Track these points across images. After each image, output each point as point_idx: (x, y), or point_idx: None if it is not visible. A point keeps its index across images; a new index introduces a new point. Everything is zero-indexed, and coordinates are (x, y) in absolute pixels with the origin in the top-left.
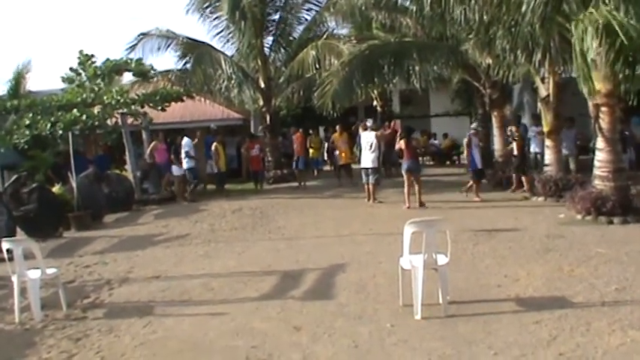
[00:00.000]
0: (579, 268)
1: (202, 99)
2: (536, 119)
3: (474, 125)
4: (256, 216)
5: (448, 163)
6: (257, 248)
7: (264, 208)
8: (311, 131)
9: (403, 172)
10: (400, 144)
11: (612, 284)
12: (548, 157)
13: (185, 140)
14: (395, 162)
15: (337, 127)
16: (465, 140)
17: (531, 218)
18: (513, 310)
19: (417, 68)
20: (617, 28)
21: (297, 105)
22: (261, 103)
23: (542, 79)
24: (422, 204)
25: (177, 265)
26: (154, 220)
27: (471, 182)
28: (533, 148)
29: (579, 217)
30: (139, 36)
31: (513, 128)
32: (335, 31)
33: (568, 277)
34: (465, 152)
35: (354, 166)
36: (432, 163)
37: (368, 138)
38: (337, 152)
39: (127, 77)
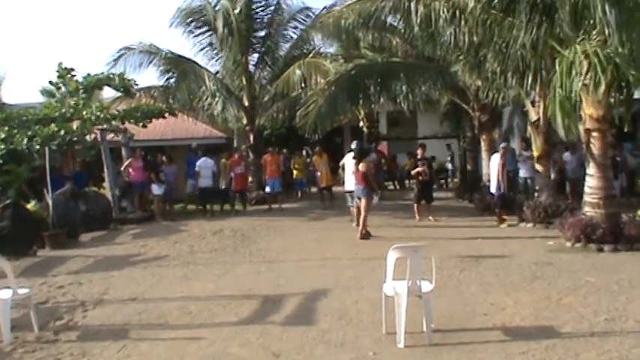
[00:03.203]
0: (568, 297)
1: (185, 116)
2: (526, 143)
3: (503, 144)
4: (237, 238)
5: (435, 186)
6: (237, 271)
7: (245, 230)
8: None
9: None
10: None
11: (602, 314)
12: (539, 182)
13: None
14: (380, 185)
15: (317, 149)
16: (501, 162)
17: (519, 245)
18: (499, 340)
19: (404, 89)
20: (598, 62)
21: (282, 124)
22: (244, 121)
23: (533, 103)
24: (363, 236)
25: (154, 287)
26: (131, 239)
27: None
28: (523, 173)
29: (569, 244)
30: (120, 50)
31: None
32: (322, 49)
33: (556, 306)
34: (500, 175)
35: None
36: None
37: (353, 160)
38: (318, 174)
39: (108, 92)
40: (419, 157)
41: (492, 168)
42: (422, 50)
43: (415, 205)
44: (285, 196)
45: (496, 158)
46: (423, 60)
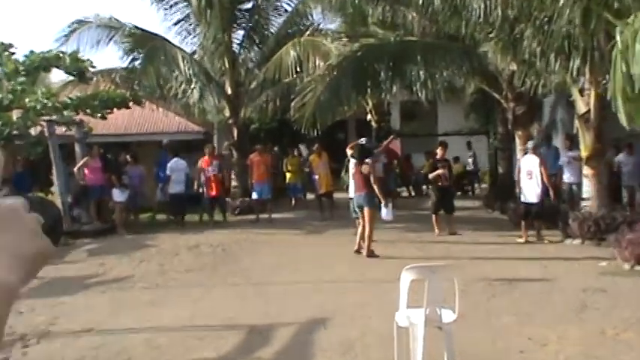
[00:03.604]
0: (627, 332)
1: (154, 106)
2: (571, 142)
3: (531, 143)
4: (217, 254)
5: (459, 193)
6: (217, 295)
7: (227, 245)
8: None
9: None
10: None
11: None
12: (587, 189)
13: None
14: (391, 191)
15: (316, 147)
16: (542, 163)
17: (564, 266)
18: None
19: (422, 75)
20: None
21: (273, 117)
22: (227, 113)
23: (581, 91)
24: (370, 253)
25: (114, 316)
26: (87, 257)
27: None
28: (568, 177)
29: (627, 266)
30: (73, 24)
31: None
32: (321, 26)
33: (612, 343)
34: (545, 178)
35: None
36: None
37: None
38: (316, 178)
39: (57, 75)
40: (438, 157)
41: (523, 172)
42: (444, 27)
43: (433, 216)
44: (275, 205)
45: (529, 160)
46: (444, 39)
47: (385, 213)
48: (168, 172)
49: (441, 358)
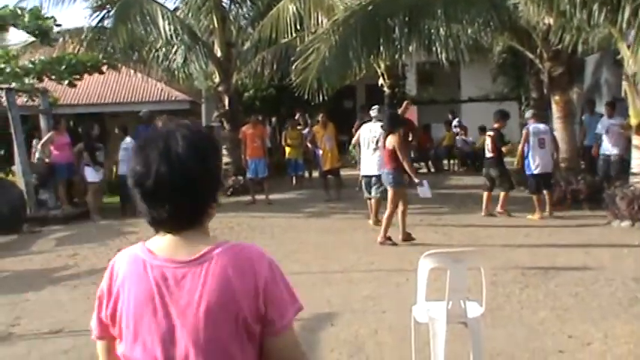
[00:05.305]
0: None
1: (132, 71)
2: (614, 108)
3: (529, 112)
4: None
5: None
6: None
7: (218, 231)
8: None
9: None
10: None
11: None
12: (638, 162)
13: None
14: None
15: (320, 117)
16: (524, 133)
17: (611, 252)
18: None
19: (442, 31)
20: None
21: (270, 83)
22: (216, 79)
23: (631, 48)
24: (407, 237)
25: (88, 314)
26: (55, 246)
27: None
28: (607, 148)
29: None
30: None
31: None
32: None
33: None
34: (521, 148)
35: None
36: (461, 169)
37: (372, 132)
38: (320, 153)
39: (16, 36)
40: (497, 126)
41: (535, 140)
42: None
43: (485, 194)
44: (274, 184)
45: (541, 128)
46: None
47: (422, 190)
48: (123, 152)
49: (466, 358)
